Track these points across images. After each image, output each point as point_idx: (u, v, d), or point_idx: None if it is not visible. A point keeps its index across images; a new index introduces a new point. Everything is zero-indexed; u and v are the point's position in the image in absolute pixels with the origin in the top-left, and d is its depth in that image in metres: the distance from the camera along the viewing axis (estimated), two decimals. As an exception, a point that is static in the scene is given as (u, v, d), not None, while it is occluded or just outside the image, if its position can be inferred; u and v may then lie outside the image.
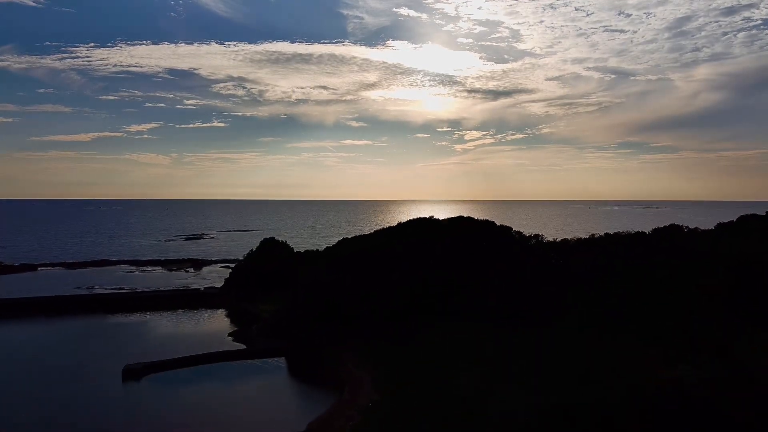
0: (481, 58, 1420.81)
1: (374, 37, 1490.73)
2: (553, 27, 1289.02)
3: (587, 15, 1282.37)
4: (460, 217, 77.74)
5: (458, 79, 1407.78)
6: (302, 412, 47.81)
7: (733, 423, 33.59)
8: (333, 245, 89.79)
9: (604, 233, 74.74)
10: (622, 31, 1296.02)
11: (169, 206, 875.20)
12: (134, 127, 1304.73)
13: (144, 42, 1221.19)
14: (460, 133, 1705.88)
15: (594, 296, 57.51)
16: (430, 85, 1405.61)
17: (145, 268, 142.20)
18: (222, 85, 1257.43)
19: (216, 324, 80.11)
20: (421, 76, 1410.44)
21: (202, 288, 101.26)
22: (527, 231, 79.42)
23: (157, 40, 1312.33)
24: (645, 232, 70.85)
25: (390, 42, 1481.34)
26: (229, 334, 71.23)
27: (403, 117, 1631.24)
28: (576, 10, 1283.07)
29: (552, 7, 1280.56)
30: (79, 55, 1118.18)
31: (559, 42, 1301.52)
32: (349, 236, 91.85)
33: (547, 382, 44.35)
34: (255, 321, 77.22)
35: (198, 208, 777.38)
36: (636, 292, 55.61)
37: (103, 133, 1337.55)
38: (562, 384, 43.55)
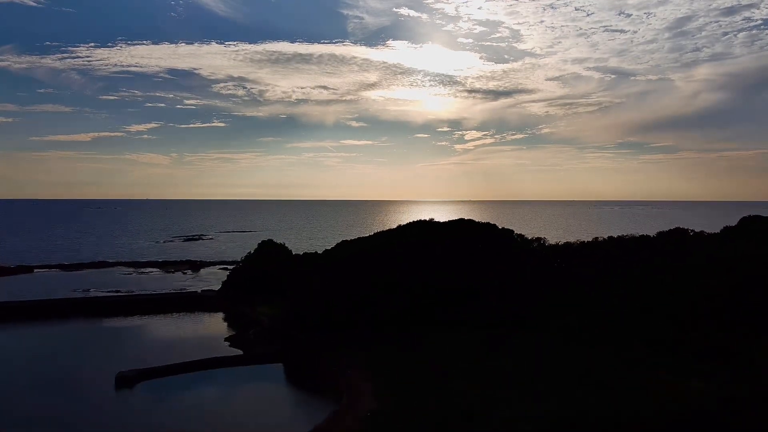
0: (481, 58, 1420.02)
1: (374, 37, 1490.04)
2: (553, 27, 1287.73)
3: (587, 15, 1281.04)
4: (461, 220, 76.62)
5: (458, 79, 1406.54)
6: (299, 421, 46.55)
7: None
8: (332, 248, 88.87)
9: (608, 236, 73.50)
10: (622, 31, 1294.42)
11: (168, 206, 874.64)
12: (134, 127, 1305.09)
13: (144, 42, 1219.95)
14: (461, 133, 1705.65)
15: (598, 302, 56.28)
16: (431, 85, 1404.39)
17: (142, 269, 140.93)
18: (222, 85, 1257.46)
19: (213, 328, 78.89)
20: (422, 76, 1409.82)
21: (199, 291, 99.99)
22: (527, 231, 78.43)
23: (157, 40, 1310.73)
24: (650, 236, 69.70)
25: (390, 42, 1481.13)
26: (226, 339, 69.96)
27: (404, 117, 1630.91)
28: (576, 10, 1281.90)
29: (552, 7, 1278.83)
30: (80, 55, 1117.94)
31: (560, 42, 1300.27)
32: (349, 238, 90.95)
33: (552, 391, 43.10)
34: (253, 325, 75.99)
35: (198, 208, 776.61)
36: (641, 297, 54.36)
37: (103, 133, 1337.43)
38: (569, 394, 42.32)
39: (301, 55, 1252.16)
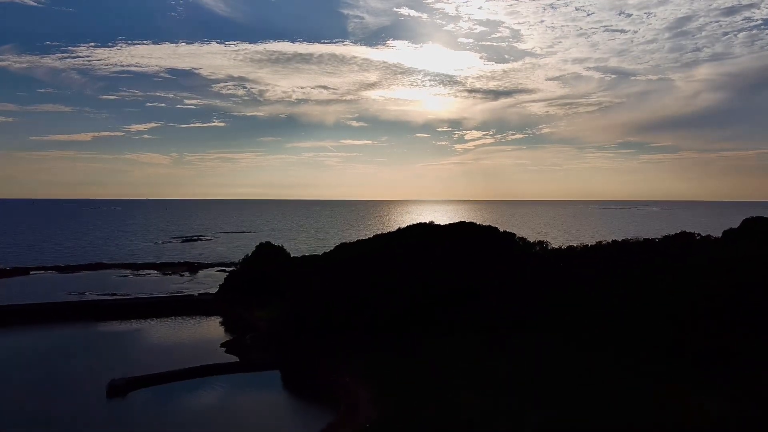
0: (481, 58, 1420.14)
1: (375, 37, 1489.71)
2: (553, 27, 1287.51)
3: (588, 15, 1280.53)
4: (462, 223, 75.17)
5: (459, 79, 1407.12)
6: (297, 430, 45.36)
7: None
8: (330, 251, 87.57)
9: (612, 240, 72.01)
10: (622, 31, 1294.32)
11: (168, 206, 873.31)
12: (134, 127, 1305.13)
13: (144, 42, 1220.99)
14: (461, 133, 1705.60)
15: (603, 307, 54.87)
16: (431, 85, 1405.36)
17: (140, 272, 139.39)
18: (222, 84, 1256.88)
19: (209, 332, 77.42)
20: (422, 76, 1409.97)
21: (196, 294, 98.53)
22: (528, 231, 77.37)
23: (157, 39, 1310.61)
24: (655, 240, 68.24)
25: (390, 42, 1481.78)
26: (222, 345, 68.48)
27: (404, 117, 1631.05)
28: (576, 10, 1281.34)
29: (552, 7, 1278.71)
30: (80, 54, 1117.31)
31: (560, 42, 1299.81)
32: (349, 239, 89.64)
33: (553, 398, 41.72)
34: (250, 329, 74.62)
35: (197, 208, 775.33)
36: (648, 304, 52.95)
37: (103, 133, 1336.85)
38: (570, 402, 40.96)
39: (301, 54, 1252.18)
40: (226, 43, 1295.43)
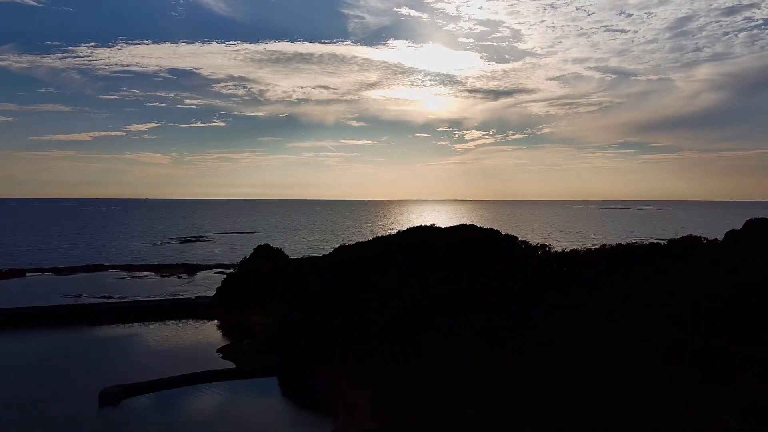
0: (481, 57, 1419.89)
1: (375, 37, 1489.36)
2: (554, 27, 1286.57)
3: (588, 15, 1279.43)
4: (463, 226, 73.84)
5: (459, 79, 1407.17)
6: (293, 441, 44.15)
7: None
8: (329, 253, 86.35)
9: (616, 243, 70.65)
10: (623, 31, 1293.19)
11: (168, 206, 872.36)
12: (135, 127, 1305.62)
13: (145, 41, 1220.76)
14: (461, 132, 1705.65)
15: (605, 311, 53.56)
16: (431, 85, 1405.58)
17: (137, 273, 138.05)
18: (222, 84, 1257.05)
19: (205, 337, 76.08)
20: (422, 76, 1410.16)
21: (193, 297, 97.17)
22: (529, 232, 76.44)
23: (157, 39, 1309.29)
24: (660, 243, 66.92)
25: (391, 42, 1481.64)
26: (218, 350, 67.14)
27: (404, 117, 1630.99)
28: (577, 9, 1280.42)
29: (553, 7, 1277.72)
30: (80, 54, 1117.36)
31: (560, 42, 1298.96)
32: (349, 240, 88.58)
33: (561, 410, 40.41)
34: (247, 334, 73.32)
35: (197, 208, 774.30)
36: (652, 307, 51.63)
37: (103, 133, 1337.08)
38: (580, 413, 39.66)
39: (301, 54, 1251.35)
40: (227, 42, 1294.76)
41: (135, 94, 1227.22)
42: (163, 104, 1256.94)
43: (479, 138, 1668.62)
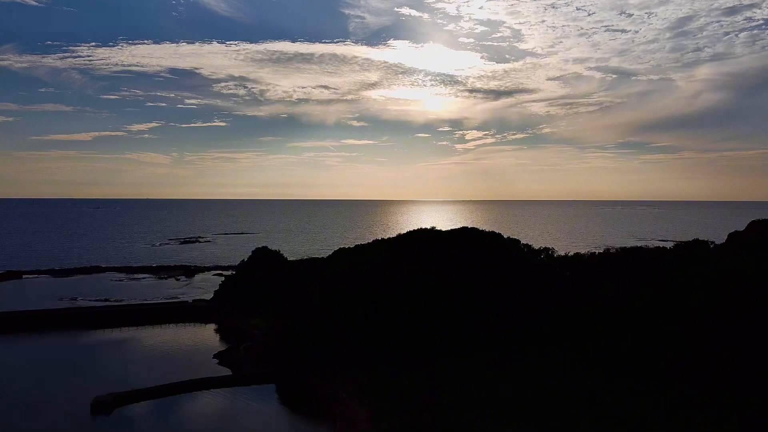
0: (482, 57, 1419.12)
1: (375, 37, 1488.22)
2: (554, 27, 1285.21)
3: (589, 15, 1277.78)
4: (464, 229, 72.47)
5: (459, 79, 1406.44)
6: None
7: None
8: (328, 257, 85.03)
9: (620, 247, 69.29)
10: (623, 31, 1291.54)
11: (168, 206, 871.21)
12: (135, 127, 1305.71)
13: (145, 41, 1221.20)
14: (461, 132, 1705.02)
15: (617, 323, 52.20)
16: (432, 85, 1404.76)
17: (135, 275, 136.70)
18: (223, 84, 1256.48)
19: (202, 341, 74.76)
20: (423, 76, 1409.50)
21: (190, 300, 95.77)
22: (530, 232, 75.45)
23: (158, 39, 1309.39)
24: (666, 248, 65.55)
25: (391, 42, 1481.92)
26: (215, 356, 65.82)
27: (404, 117, 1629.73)
28: (577, 9, 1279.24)
29: (553, 7, 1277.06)
30: (81, 54, 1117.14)
31: (561, 42, 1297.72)
32: (349, 240, 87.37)
33: (560, 424, 39.09)
34: (245, 339, 72.01)
35: (197, 208, 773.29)
36: (660, 317, 50.28)
37: (104, 133, 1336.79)
38: (582, 424, 38.36)
39: (302, 54, 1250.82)
40: (227, 42, 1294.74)
41: (135, 93, 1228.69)
42: (163, 104, 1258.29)
43: (480, 138, 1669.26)
